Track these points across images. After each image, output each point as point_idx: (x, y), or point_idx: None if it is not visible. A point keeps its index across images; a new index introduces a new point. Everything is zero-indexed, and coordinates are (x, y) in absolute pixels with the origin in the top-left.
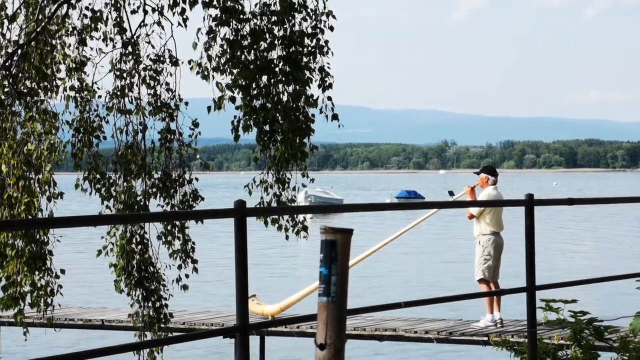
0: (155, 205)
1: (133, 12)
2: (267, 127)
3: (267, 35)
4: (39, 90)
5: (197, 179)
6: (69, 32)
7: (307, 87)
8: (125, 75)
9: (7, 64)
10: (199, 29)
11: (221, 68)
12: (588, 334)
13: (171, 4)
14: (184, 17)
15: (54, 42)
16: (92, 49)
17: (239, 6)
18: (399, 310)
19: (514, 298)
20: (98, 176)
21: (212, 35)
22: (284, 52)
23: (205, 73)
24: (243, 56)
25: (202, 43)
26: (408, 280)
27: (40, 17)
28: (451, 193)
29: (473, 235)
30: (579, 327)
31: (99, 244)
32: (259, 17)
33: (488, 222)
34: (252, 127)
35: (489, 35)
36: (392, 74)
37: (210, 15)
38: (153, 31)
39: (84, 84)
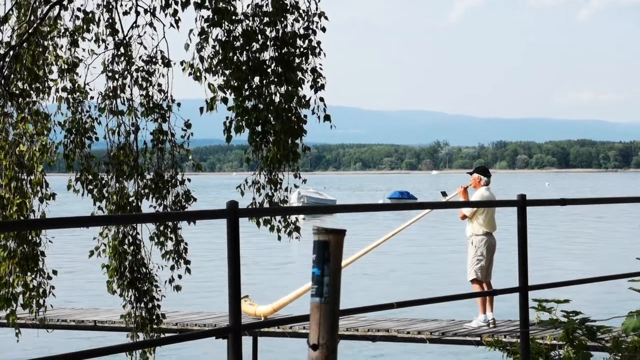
0: (147, 206)
1: (125, 13)
2: (259, 128)
3: (259, 36)
4: (31, 92)
5: (189, 180)
6: (61, 34)
7: (299, 88)
8: (117, 76)
9: None
10: (191, 30)
11: (213, 69)
12: (581, 333)
13: (163, 5)
14: (176, 18)
15: (46, 43)
16: (84, 50)
17: (231, 7)
18: (392, 310)
19: (506, 298)
20: (90, 177)
21: (204, 36)
22: (276, 53)
23: (198, 74)
24: (235, 57)
25: (194, 44)
26: (400, 281)
27: (32, 18)
28: (444, 194)
29: (466, 236)
30: (572, 327)
31: (91, 245)
32: (251, 18)
33: (481, 222)
34: (244, 128)
35: (481, 36)
36: (385, 74)
37: (203, 17)
38: (145, 32)
39: (76, 85)
